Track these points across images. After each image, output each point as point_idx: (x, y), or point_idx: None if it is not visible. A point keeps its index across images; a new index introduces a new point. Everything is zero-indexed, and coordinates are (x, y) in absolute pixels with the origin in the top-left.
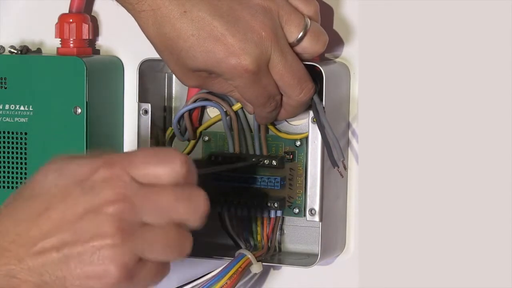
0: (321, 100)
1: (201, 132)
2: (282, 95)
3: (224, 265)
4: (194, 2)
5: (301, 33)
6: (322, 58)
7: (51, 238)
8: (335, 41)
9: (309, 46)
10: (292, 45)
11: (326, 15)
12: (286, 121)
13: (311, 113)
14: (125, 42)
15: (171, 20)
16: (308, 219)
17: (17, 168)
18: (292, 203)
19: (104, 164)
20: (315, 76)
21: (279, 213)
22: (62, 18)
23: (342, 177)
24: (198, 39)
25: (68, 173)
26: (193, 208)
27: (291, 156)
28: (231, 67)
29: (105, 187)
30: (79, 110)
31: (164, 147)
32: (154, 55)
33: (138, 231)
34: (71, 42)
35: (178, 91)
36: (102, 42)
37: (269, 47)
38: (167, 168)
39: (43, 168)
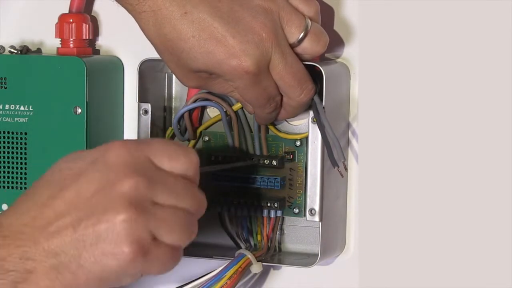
0: (321, 100)
1: (201, 132)
2: (282, 96)
3: (224, 265)
4: (194, 3)
5: (301, 34)
6: (322, 58)
7: (66, 217)
8: (335, 41)
9: (310, 47)
10: (292, 46)
11: (326, 15)
12: (286, 121)
13: (311, 113)
14: (125, 42)
15: (172, 21)
16: (308, 219)
17: (17, 168)
18: (292, 203)
19: (118, 144)
20: (315, 76)
21: (279, 213)
22: (62, 18)
23: (342, 176)
24: (199, 41)
25: (82, 157)
26: (198, 202)
27: (291, 156)
28: (232, 69)
29: (119, 163)
30: (79, 110)
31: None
32: (154, 55)
33: (151, 208)
34: (71, 42)
35: (178, 91)
36: (102, 42)
37: (270, 48)
38: (181, 159)
39: (59, 160)
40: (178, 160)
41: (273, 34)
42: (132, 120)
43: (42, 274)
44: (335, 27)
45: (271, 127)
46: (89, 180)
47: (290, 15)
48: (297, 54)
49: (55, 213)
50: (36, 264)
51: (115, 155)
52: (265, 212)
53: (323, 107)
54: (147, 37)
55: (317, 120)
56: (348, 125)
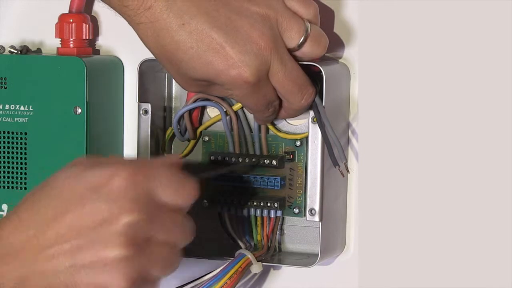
0: (322, 100)
1: (201, 132)
2: (280, 100)
3: (224, 265)
4: (191, 14)
5: (302, 39)
6: (322, 59)
7: (66, 243)
8: (336, 42)
9: (310, 50)
10: (293, 50)
11: (327, 15)
12: (286, 121)
13: (311, 113)
14: (125, 42)
15: (170, 32)
16: (308, 219)
17: (17, 168)
18: (292, 203)
19: (124, 173)
20: (315, 76)
21: (279, 213)
22: (62, 18)
23: (343, 176)
24: (198, 51)
25: (85, 179)
26: (188, 234)
27: (291, 156)
28: (231, 79)
29: (123, 196)
30: (79, 110)
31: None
32: None
33: (147, 246)
34: (71, 42)
35: (178, 91)
36: (102, 42)
37: (269, 57)
38: (185, 194)
39: (63, 170)
40: (181, 195)
41: (271, 42)
42: (132, 120)
43: None
44: (335, 28)
45: (271, 127)
46: (92, 210)
47: (288, 20)
48: (297, 58)
49: (56, 236)
50: (31, 285)
51: (120, 187)
52: (265, 212)
53: (324, 107)
54: (146, 46)
55: (318, 120)
56: (348, 125)
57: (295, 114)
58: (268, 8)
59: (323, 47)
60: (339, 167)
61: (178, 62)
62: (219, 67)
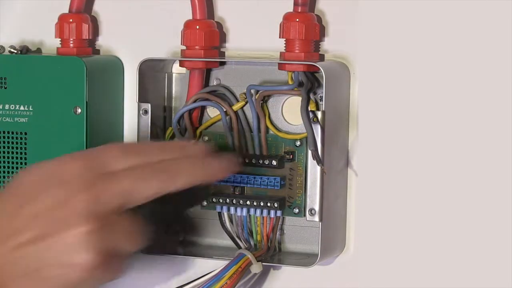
0: (321, 100)
1: (201, 132)
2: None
3: (224, 265)
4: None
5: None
6: (321, 58)
7: (25, 233)
8: (335, 41)
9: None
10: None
11: (327, 14)
12: (286, 121)
13: (311, 113)
14: (125, 42)
15: None
16: (308, 219)
17: (17, 168)
18: (292, 203)
19: (70, 157)
20: (315, 76)
21: (279, 213)
22: (62, 18)
23: (325, 173)
24: None
25: (40, 171)
26: (148, 183)
27: (291, 156)
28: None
29: (72, 178)
30: (79, 110)
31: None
32: (154, 55)
33: (106, 219)
34: (71, 42)
35: (178, 91)
36: (102, 42)
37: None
38: (133, 154)
39: (20, 172)
40: (127, 157)
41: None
42: (132, 120)
43: (10, 281)
44: (335, 27)
45: (271, 127)
46: (45, 197)
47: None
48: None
49: (15, 229)
50: (6, 270)
51: (71, 171)
52: (265, 212)
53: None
54: None
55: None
56: (348, 125)
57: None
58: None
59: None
60: (323, 166)
61: None
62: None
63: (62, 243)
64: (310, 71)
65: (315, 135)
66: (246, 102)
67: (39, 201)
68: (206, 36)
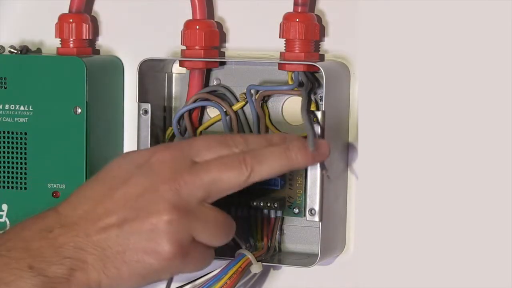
0: (321, 100)
1: (201, 132)
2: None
3: (224, 265)
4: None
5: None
6: (321, 58)
7: (113, 215)
8: (335, 41)
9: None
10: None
11: (327, 14)
12: (286, 120)
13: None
14: (125, 42)
15: None
16: (308, 219)
17: (17, 168)
18: (292, 203)
19: (161, 147)
20: (314, 75)
21: (279, 213)
22: (62, 18)
23: (329, 178)
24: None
25: (129, 159)
26: (236, 171)
27: None
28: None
29: (162, 167)
30: (79, 110)
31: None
32: (154, 55)
33: (192, 209)
34: (71, 42)
35: (178, 91)
36: (102, 42)
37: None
38: (218, 147)
39: (114, 160)
40: (214, 148)
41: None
42: (132, 120)
43: (91, 265)
44: (335, 27)
45: (271, 127)
46: (135, 183)
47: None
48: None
49: (105, 210)
50: (87, 254)
51: (159, 161)
52: (265, 212)
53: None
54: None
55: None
56: (348, 125)
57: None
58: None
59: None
60: (326, 171)
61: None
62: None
63: (145, 229)
64: (310, 71)
65: (316, 136)
66: (246, 102)
67: (129, 186)
68: (206, 36)
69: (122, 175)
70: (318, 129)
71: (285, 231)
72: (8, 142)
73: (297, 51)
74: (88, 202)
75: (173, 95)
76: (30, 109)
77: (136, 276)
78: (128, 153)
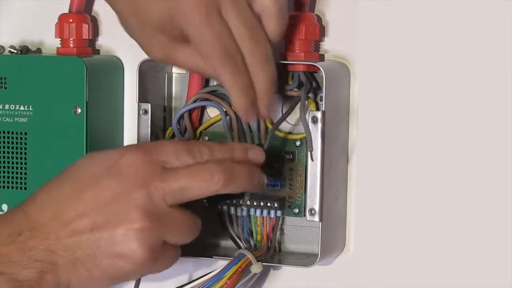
0: (321, 100)
1: (201, 132)
2: (243, 57)
3: (224, 265)
4: None
5: None
6: (321, 58)
7: (84, 219)
8: (335, 41)
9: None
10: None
11: (327, 14)
12: (286, 121)
13: (311, 113)
14: (125, 42)
15: None
16: (308, 219)
17: (17, 168)
18: (292, 203)
19: (130, 149)
20: (314, 75)
21: (279, 213)
22: (62, 18)
23: (312, 160)
24: None
25: (97, 159)
26: (207, 183)
27: (291, 156)
28: (182, 10)
29: (131, 171)
30: (79, 110)
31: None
32: None
33: (163, 214)
34: (71, 42)
35: (178, 91)
36: (102, 42)
37: None
38: (186, 153)
39: (81, 157)
40: (182, 155)
41: None
42: (132, 120)
43: (62, 267)
44: (335, 27)
45: (271, 127)
46: (105, 186)
47: None
48: (259, 18)
49: (75, 212)
50: (58, 257)
51: (128, 164)
52: (265, 212)
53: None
54: (112, 6)
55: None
56: (348, 125)
57: (260, 77)
58: None
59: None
60: (312, 150)
61: (137, 8)
62: (171, 3)
63: (117, 235)
64: (310, 71)
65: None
66: None
67: (99, 189)
68: None
69: (90, 175)
70: (318, 129)
71: (285, 231)
72: (8, 142)
73: (297, 51)
74: (56, 203)
75: (173, 95)
76: (30, 109)
77: (106, 278)
78: (95, 153)
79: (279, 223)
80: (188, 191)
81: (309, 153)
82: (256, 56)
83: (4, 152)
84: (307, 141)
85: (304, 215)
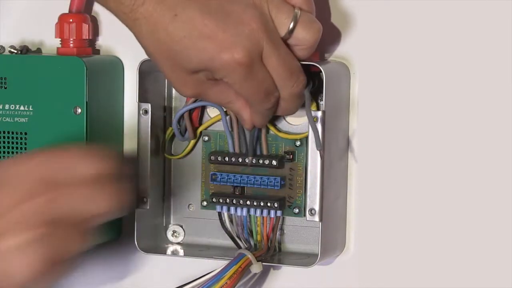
0: (321, 100)
1: (201, 132)
2: (279, 94)
3: (224, 265)
4: (184, 4)
5: (291, 24)
6: (322, 58)
7: None
8: (335, 41)
9: (303, 36)
10: (285, 38)
11: (326, 14)
12: (286, 121)
13: (312, 113)
14: (125, 42)
15: (163, 24)
16: (308, 219)
17: None
18: (292, 203)
19: (30, 157)
20: (314, 75)
21: (279, 213)
22: (62, 18)
23: (322, 159)
24: (191, 39)
25: (6, 166)
26: (109, 200)
27: (291, 156)
28: (225, 63)
29: (31, 179)
30: (79, 110)
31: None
32: None
33: (53, 225)
34: (71, 42)
35: None
36: (102, 42)
37: (261, 39)
38: (89, 160)
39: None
40: (87, 162)
41: (263, 25)
42: (132, 120)
43: None
44: (335, 28)
45: (271, 127)
46: (6, 193)
47: (278, 6)
48: (291, 47)
49: None
50: None
51: (27, 170)
52: (265, 212)
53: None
54: (142, 45)
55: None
56: (348, 125)
57: (288, 107)
58: None
59: (316, 31)
60: (321, 149)
61: (173, 54)
62: (212, 52)
63: (16, 243)
64: (310, 71)
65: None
66: None
67: (1, 197)
68: None
69: None
70: (319, 129)
71: (285, 231)
72: (8, 142)
73: None
74: None
75: (173, 95)
76: (30, 109)
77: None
78: (7, 160)
79: (279, 223)
80: (83, 208)
81: (318, 152)
82: (293, 94)
83: (4, 152)
84: (315, 140)
85: (304, 215)
